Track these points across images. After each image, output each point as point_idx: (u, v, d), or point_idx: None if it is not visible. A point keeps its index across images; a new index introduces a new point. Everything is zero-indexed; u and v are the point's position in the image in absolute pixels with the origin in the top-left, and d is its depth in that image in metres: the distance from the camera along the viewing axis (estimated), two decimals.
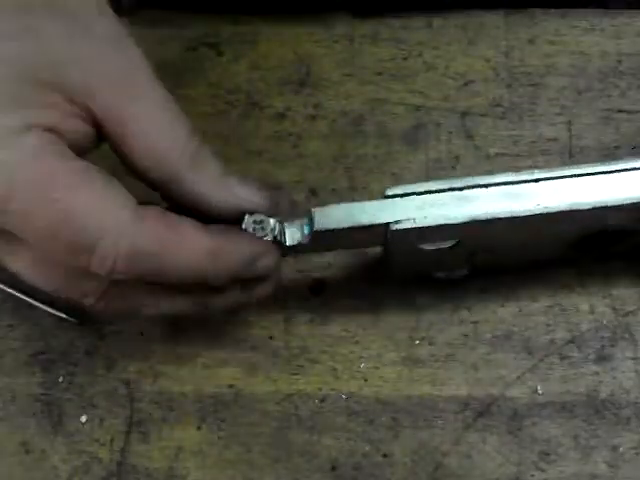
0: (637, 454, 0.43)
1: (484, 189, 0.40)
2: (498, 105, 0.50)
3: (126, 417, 0.45)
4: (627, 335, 0.45)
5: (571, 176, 0.40)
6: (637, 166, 0.40)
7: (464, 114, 0.50)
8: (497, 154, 0.49)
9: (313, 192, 0.49)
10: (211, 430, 0.45)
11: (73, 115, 0.37)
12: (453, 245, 0.41)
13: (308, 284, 0.47)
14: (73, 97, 0.36)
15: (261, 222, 0.40)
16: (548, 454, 0.44)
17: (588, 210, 0.40)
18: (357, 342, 0.46)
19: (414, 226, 0.40)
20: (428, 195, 0.40)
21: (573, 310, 0.46)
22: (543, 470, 0.43)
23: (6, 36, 0.36)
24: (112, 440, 0.45)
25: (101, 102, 0.37)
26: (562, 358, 0.45)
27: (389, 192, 0.40)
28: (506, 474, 0.43)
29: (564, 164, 0.49)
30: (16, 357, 0.47)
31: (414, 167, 0.49)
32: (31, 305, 0.46)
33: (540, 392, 0.45)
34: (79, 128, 0.37)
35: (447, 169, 0.49)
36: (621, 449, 0.43)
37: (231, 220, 0.40)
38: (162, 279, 0.38)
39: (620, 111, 0.50)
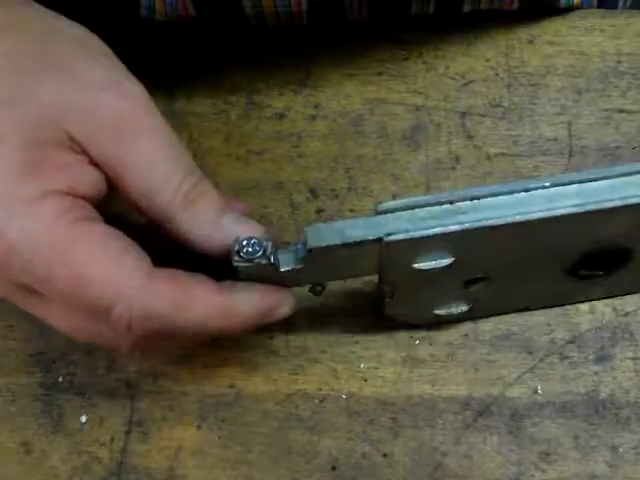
0: (637, 454, 0.43)
1: (476, 201, 0.40)
2: (498, 105, 0.50)
3: (126, 417, 0.45)
4: (627, 335, 0.45)
5: (565, 184, 0.40)
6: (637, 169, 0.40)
7: (464, 114, 0.50)
8: (497, 154, 0.49)
9: (313, 192, 0.49)
10: (211, 430, 0.45)
11: (84, 165, 0.37)
12: (449, 265, 0.41)
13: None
14: (76, 148, 0.37)
15: (254, 244, 0.39)
16: (548, 454, 0.44)
17: (586, 214, 0.39)
18: (357, 342, 0.46)
19: (408, 237, 0.39)
20: (420, 209, 0.39)
21: (573, 310, 0.46)
22: (543, 470, 0.43)
23: (4, 103, 0.36)
24: (112, 440, 0.45)
25: (96, 149, 0.37)
26: (562, 358, 0.45)
27: (380, 208, 0.39)
28: (506, 474, 0.43)
29: (564, 164, 0.49)
30: (16, 357, 0.47)
31: (414, 167, 0.49)
32: None
33: (540, 392, 0.45)
34: (93, 178, 0.38)
35: (447, 169, 0.49)
36: (621, 449, 0.43)
37: (225, 257, 0.39)
38: (178, 335, 0.39)
39: (620, 111, 0.50)
